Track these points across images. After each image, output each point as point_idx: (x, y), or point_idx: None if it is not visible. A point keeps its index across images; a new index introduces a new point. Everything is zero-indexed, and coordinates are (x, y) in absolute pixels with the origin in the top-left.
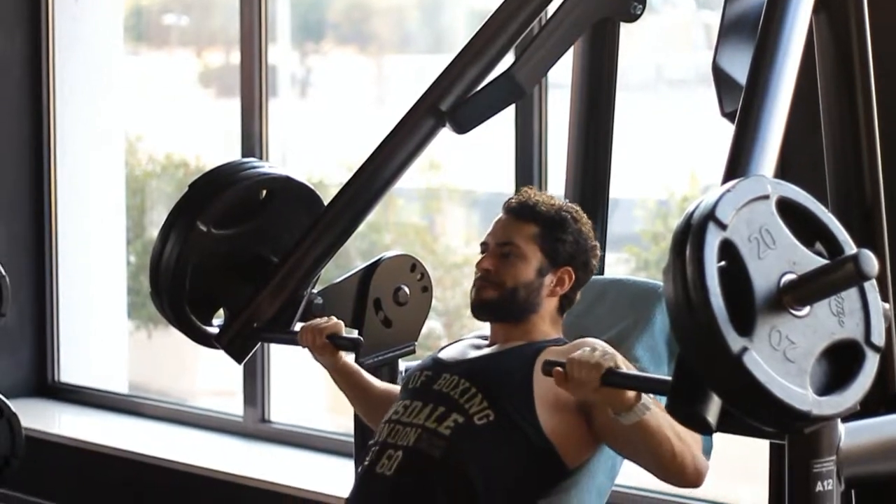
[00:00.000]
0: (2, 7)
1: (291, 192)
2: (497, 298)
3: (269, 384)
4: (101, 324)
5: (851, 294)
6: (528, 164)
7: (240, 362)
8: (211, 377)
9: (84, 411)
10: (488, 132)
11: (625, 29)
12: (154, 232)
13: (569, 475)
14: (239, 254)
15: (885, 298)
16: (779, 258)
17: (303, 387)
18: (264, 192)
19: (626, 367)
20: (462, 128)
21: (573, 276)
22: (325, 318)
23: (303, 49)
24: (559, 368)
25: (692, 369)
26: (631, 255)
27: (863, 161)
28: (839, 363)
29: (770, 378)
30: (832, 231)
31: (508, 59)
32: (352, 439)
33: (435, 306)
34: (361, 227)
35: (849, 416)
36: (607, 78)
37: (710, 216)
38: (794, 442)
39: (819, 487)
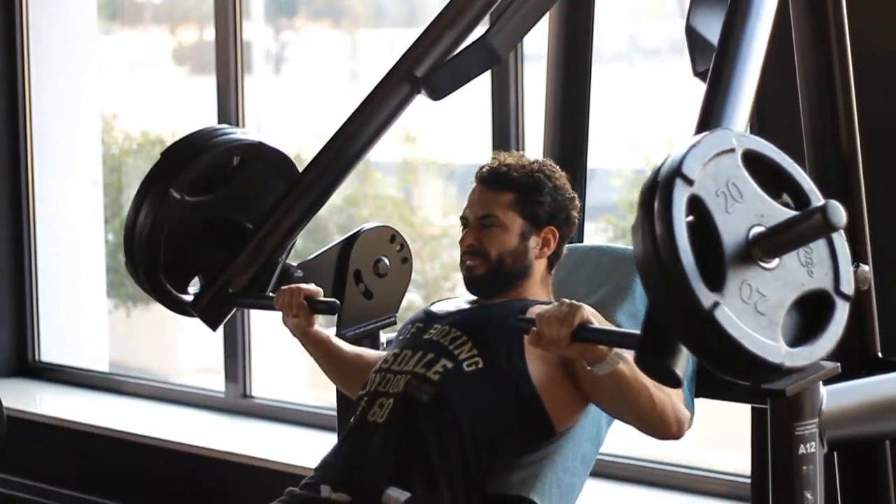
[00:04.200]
0: None
1: (265, 157)
2: (487, 272)
3: (250, 360)
4: (81, 302)
5: (819, 244)
6: (505, 136)
7: (214, 329)
8: (192, 354)
9: (65, 390)
10: (464, 104)
11: None
12: None
13: (554, 437)
14: (213, 220)
15: (863, 255)
16: (746, 211)
17: (284, 362)
18: (237, 158)
19: (596, 321)
20: (437, 94)
21: (557, 234)
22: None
23: (277, 25)
24: (533, 328)
25: (660, 322)
26: (609, 224)
27: (839, 117)
28: (810, 314)
29: (742, 332)
30: (798, 182)
31: (483, 27)
32: (334, 413)
33: (414, 279)
34: (338, 201)
35: (831, 379)
36: (583, 47)
37: (677, 172)
38: (777, 405)
39: (802, 450)
